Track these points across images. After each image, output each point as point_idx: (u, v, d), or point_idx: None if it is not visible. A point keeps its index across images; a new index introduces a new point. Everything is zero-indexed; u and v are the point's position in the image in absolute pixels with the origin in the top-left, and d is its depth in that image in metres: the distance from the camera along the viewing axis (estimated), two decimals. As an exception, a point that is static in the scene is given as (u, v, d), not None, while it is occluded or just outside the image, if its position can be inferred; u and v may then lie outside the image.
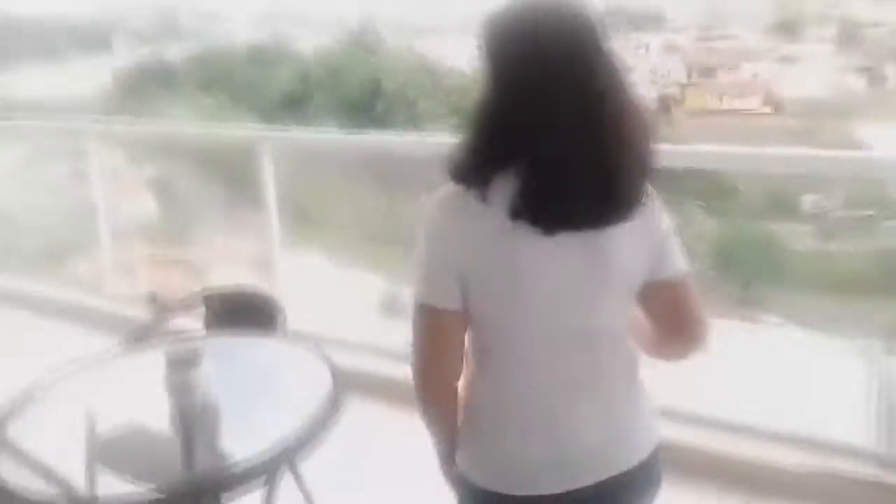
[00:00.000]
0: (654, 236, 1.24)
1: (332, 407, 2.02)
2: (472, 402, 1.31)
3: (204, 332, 2.51)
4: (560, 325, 1.21)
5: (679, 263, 1.29)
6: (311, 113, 16.49)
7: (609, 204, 1.14)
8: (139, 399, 2.13)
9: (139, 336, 2.36)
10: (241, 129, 3.35)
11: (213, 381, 2.02)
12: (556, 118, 1.12)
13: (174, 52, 20.21)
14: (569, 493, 1.22)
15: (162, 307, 3.89)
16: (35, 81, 17.55)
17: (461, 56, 18.13)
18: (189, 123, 4.11)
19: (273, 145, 3.17)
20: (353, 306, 11.28)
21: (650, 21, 17.26)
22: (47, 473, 1.72)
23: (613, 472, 1.25)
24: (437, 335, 1.25)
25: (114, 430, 1.98)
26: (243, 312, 2.37)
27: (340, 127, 15.00)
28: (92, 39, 20.56)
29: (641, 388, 1.34)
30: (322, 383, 2.14)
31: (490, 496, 1.24)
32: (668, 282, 1.26)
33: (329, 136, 2.73)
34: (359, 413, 2.32)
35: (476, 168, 1.20)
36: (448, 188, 1.24)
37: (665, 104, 15.64)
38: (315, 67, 18.82)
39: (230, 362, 2.32)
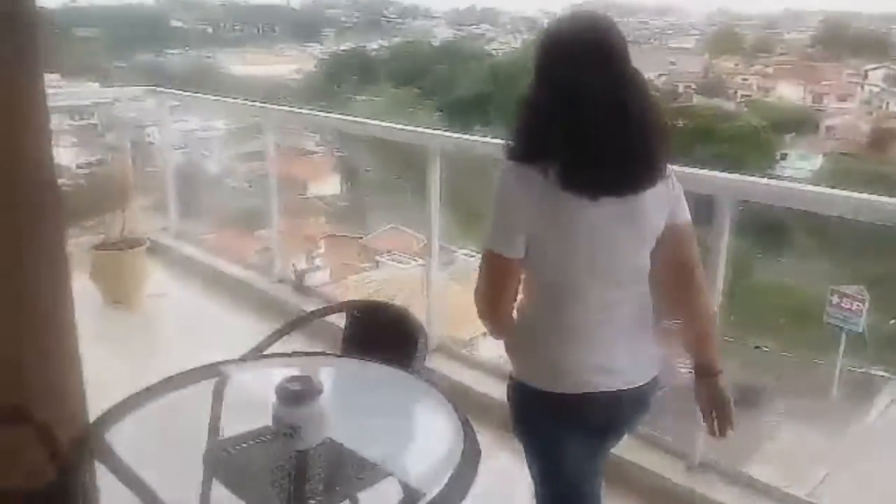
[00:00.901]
0: (671, 197, 1.59)
1: (467, 468, 1.56)
2: (527, 325, 1.69)
3: (338, 350, 2.21)
4: (600, 269, 1.57)
5: (685, 214, 1.62)
6: (493, 113, 16.71)
7: (635, 176, 1.51)
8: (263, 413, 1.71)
9: (284, 331, 2.12)
10: (413, 130, 3.41)
11: (325, 423, 1.62)
12: (591, 111, 1.46)
13: (375, 46, 21.41)
14: (596, 394, 1.61)
15: (305, 289, 4.10)
16: (253, 63, 19.40)
17: (652, 68, 17.51)
18: (360, 119, 4.06)
19: (442, 148, 3.24)
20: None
21: (873, 48, 15.56)
22: (139, 485, 1.56)
23: (630, 385, 1.63)
24: (501, 277, 1.64)
25: (233, 445, 1.77)
26: (384, 329, 2.07)
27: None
28: (305, 29, 22.33)
29: (651, 328, 1.67)
30: (449, 435, 1.67)
31: (541, 394, 1.63)
32: (675, 225, 1.59)
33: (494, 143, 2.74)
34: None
35: (532, 149, 1.53)
36: (511, 164, 1.57)
37: (880, 137, 14.08)
38: (503, 67, 19.04)
39: (350, 396, 2.02)
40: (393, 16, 23.73)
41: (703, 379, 1.67)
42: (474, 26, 22.20)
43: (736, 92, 17.28)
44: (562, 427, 1.66)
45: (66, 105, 5.40)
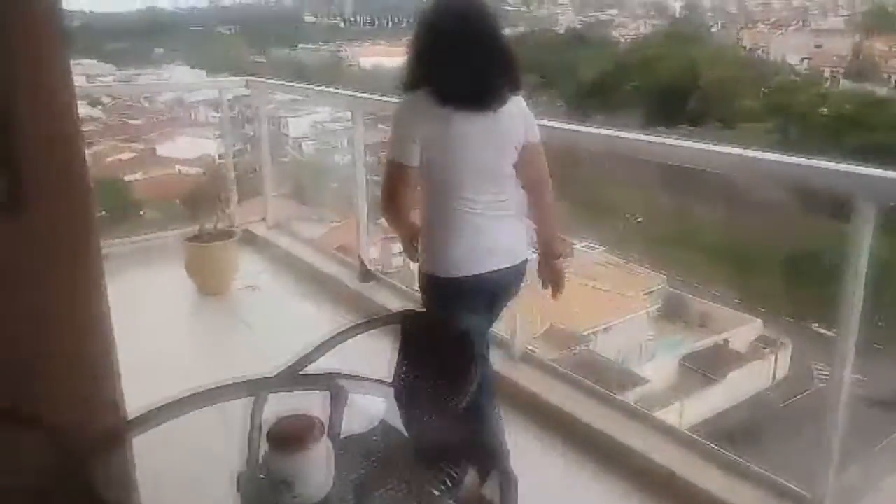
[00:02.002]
0: (525, 117, 2.07)
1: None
2: (426, 225, 2.10)
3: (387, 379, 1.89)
4: (474, 170, 1.99)
5: (537, 135, 2.10)
6: (617, 102, 16.24)
7: (488, 95, 1.96)
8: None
9: (327, 346, 1.81)
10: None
11: (325, 475, 1.30)
12: (454, 51, 1.94)
13: (500, 34, 21.30)
14: (486, 274, 2.02)
15: (374, 279, 3.98)
16: (381, 55, 19.93)
17: (794, 51, 16.38)
18: None
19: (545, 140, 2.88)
20: (627, 301, 11.08)
21: None
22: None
23: (508, 264, 2.07)
24: (398, 181, 2.01)
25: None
26: (440, 345, 1.76)
27: (647, 119, 14.59)
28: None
29: (523, 218, 2.11)
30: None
31: (440, 280, 2.05)
32: (530, 143, 2.06)
33: (601, 135, 2.42)
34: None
35: (417, 79, 2.00)
36: (405, 94, 2.04)
37: None
38: (629, 55, 18.46)
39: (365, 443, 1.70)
40: (517, 4, 23.56)
41: (547, 259, 2.22)
42: (601, 12, 21.64)
43: (889, 76, 15.84)
44: (463, 304, 2.02)
45: (209, 98, 5.74)
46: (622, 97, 16.56)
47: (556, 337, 9.58)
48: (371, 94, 3.87)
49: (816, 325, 10.63)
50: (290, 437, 1.28)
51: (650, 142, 2.43)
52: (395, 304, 3.63)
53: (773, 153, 2.20)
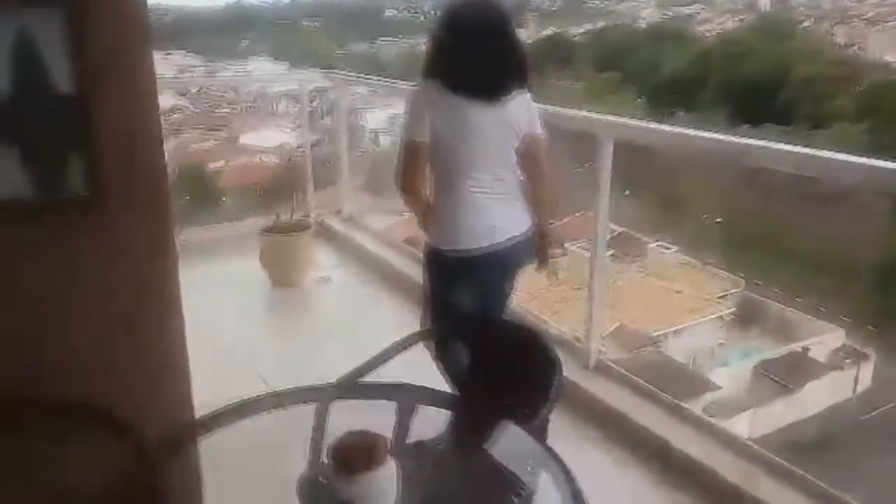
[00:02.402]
0: (529, 110, 2.20)
1: None
2: (436, 203, 2.25)
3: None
4: (480, 153, 2.15)
5: (539, 129, 2.22)
6: (702, 99, 15.79)
7: (497, 88, 2.13)
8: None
9: (390, 353, 1.74)
10: (583, 116, 2.90)
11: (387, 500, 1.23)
12: (475, 49, 2.12)
13: (579, 30, 21.09)
14: (487, 248, 2.16)
15: None
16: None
17: (893, 48, 15.51)
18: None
19: (615, 136, 2.69)
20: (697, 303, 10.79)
21: None
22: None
23: (511, 238, 2.18)
24: (413, 157, 2.17)
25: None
26: (513, 356, 1.67)
27: (731, 118, 14.12)
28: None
29: (521, 197, 2.24)
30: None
31: (444, 253, 2.21)
32: (532, 135, 2.21)
33: (678, 134, 2.31)
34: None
35: (434, 69, 2.17)
36: (422, 81, 2.21)
37: None
38: (715, 51, 17.88)
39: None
40: (598, 1, 23.18)
41: (542, 238, 2.33)
42: (686, 7, 21.04)
43: None
44: (462, 279, 2.20)
45: (291, 90, 5.88)
46: (706, 94, 16.09)
47: (625, 337, 9.44)
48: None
49: (904, 335, 10.11)
50: (354, 457, 1.20)
51: (723, 141, 2.34)
52: None
53: (862, 156, 2.01)
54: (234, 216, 4.50)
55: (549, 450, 1.41)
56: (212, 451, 1.54)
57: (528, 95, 2.22)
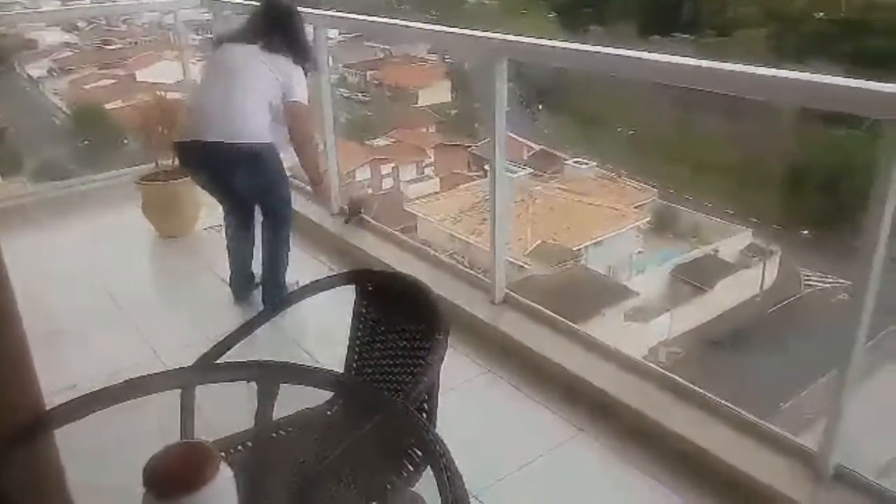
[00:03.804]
0: (290, 75, 2.62)
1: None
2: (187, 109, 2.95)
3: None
4: (224, 75, 2.65)
5: (299, 97, 2.62)
6: (612, 13, 15.78)
7: (256, 40, 2.68)
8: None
9: (258, 321, 1.48)
10: (473, 35, 2.58)
11: None
12: (263, 19, 2.73)
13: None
14: (203, 141, 2.54)
15: (355, 211, 3.30)
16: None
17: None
18: (406, 22, 3.13)
19: (510, 55, 2.38)
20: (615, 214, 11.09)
21: None
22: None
23: (228, 139, 2.53)
24: None
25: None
26: (401, 309, 1.51)
27: (641, 29, 14.20)
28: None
29: (261, 122, 2.59)
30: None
31: (178, 144, 2.69)
32: (292, 102, 2.61)
33: (579, 50, 2.08)
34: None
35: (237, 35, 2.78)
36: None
37: None
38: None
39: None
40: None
41: (313, 186, 2.81)
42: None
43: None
44: (194, 165, 2.70)
45: (191, 20, 5.47)
46: (617, 8, 16.08)
47: (547, 253, 9.65)
48: (346, 11, 3.44)
49: (806, 231, 10.74)
50: (171, 480, 0.96)
51: (615, 56, 2.15)
52: (378, 246, 3.18)
53: (772, 68, 1.78)
54: (140, 160, 3.98)
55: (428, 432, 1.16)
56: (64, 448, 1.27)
57: (300, 69, 2.68)
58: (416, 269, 2.84)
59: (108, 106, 12.50)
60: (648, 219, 10.65)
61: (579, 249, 9.72)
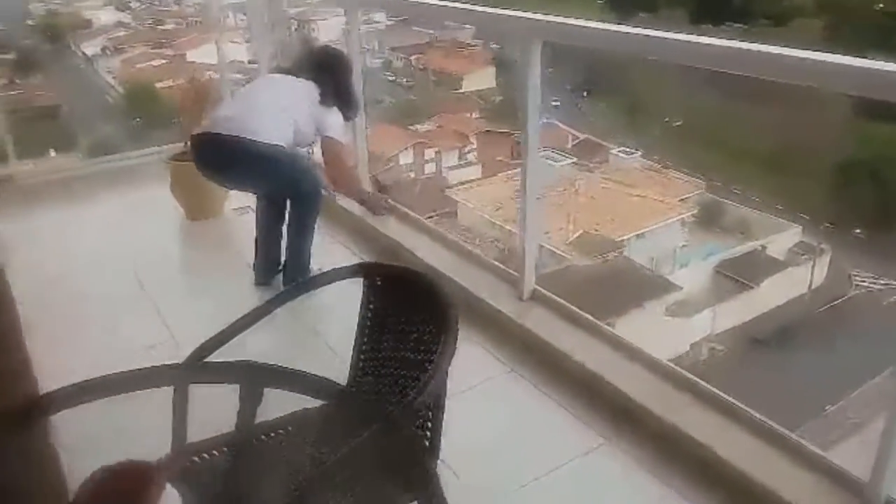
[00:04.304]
0: (324, 113, 2.67)
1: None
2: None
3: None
4: (255, 94, 2.81)
5: (333, 134, 2.68)
6: (661, 0, 15.46)
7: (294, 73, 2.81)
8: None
9: (259, 313, 1.41)
10: (506, 15, 2.41)
11: None
12: (313, 62, 2.82)
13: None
14: (217, 133, 2.58)
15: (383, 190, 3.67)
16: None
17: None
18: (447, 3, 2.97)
19: (544, 36, 2.23)
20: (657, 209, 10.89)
21: None
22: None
23: (240, 134, 2.53)
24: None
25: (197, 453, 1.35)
26: (410, 307, 1.42)
27: (692, 17, 13.89)
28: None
29: (278, 130, 2.61)
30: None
31: (195, 135, 2.74)
32: (326, 137, 2.68)
33: (618, 32, 1.92)
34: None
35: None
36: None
37: None
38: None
39: None
40: None
41: (361, 204, 3.03)
42: None
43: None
44: (199, 156, 2.68)
45: (238, 1, 5.53)
46: (666, -6, 15.74)
47: (589, 243, 9.55)
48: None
49: (858, 231, 10.40)
50: None
51: (685, 42, 1.98)
52: (405, 234, 3.09)
53: (827, 54, 1.68)
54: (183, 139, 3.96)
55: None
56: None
57: (338, 112, 2.73)
58: (442, 258, 2.81)
59: (159, 85, 12.73)
60: (694, 212, 10.45)
61: (621, 241, 9.60)
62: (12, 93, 12.68)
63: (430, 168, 13.24)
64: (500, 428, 1.92)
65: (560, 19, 2.19)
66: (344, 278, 1.46)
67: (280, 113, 2.65)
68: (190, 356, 1.31)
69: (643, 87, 11.23)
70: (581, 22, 2.10)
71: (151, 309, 2.59)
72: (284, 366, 1.23)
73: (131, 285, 2.78)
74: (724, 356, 8.50)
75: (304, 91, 2.68)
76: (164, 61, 14.48)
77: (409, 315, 1.41)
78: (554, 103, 12.81)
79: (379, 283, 1.49)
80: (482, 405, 1.97)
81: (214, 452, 1.32)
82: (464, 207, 10.97)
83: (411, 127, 13.49)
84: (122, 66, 15.58)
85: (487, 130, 13.41)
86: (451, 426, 1.26)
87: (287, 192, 2.70)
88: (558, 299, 2.48)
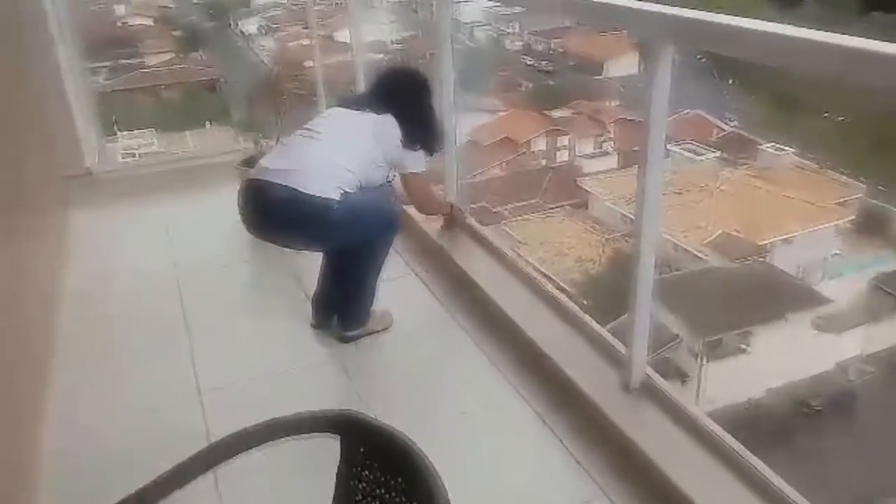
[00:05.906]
0: (398, 149, 2.47)
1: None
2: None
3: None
4: (318, 131, 2.47)
5: (411, 169, 2.55)
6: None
7: (367, 108, 2.51)
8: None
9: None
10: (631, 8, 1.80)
11: None
12: (385, 88, 2.61)
13: None
14: (265, 181, 2.30)
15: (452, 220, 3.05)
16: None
17: None
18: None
19: (676, 40, 1.68)
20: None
21: None
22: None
23: (292, 185, 2.25)
24: None
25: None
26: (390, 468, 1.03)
27: (864, 4, 12.63)
28: None
29: (337, 180, 2.31)
30: None
31: (246, 179, 2.44)
32: (405, 174, 2.58)
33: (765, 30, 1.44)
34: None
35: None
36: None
37: None
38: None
39: None
40: None
41: (445, 227, 2.98)
42: None
43: None
44: (242, 207, 2.37)
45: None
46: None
47: (728, 244, 9.00)
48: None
49: None
50: None
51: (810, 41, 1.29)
52: (477, 263, 2.81)
53: None
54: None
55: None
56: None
57: (420, 149, 2.52)
58: (516, 301, 2.43)
59: (306, 64, 13.27)
60: (852, 218, 9.57)
61: (765, 244, 8.96)
62: (175, 67, 13.69)
63: (562, 156, 12.97)
64: None
65: (696, 14, 1.60)
66: (314, 431, 1.11)
67: (343, 170, 2.29)
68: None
69: (799, 75, 10.35)
70: (727, 19, 1.50)
71: (183, 348, 2.42)
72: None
73: (172, 309, 2.64)
74: (873, 380, 7.77)
75: (382, 131, 2.38)
76: (311, 41, 15.05)
77: (389, 491, 1.05)
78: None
79: (359, 445, 1.10)
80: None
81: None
82: (595, 199, 10.67)
83: (547, 112, 13.26)
84: (275, 45, 16.39)
85: (627, 119, 12.93)
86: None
87: (341, 243, 2.37)
88: (676, 397, 1.83)
